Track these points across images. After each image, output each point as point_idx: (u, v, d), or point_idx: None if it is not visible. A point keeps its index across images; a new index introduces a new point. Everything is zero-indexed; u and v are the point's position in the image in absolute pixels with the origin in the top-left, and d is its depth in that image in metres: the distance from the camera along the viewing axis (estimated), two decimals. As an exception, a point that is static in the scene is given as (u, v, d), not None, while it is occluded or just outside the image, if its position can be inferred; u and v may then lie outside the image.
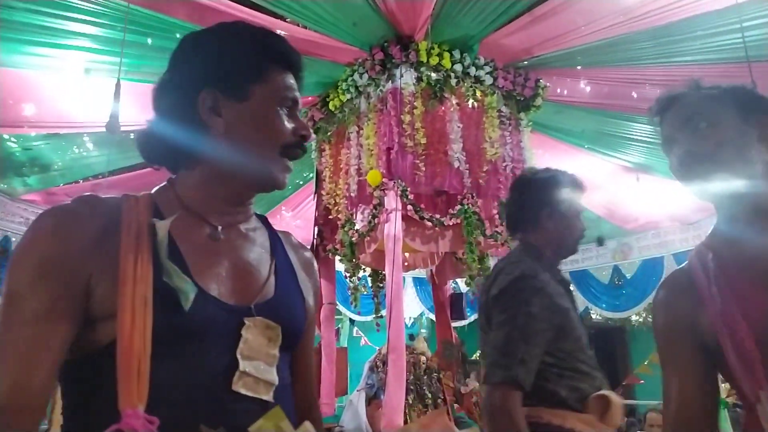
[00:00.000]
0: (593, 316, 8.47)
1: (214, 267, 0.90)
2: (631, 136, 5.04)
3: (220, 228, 0.94)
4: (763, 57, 3.44)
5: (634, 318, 9.48)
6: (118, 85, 2.82)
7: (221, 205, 0.96)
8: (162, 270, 0.81)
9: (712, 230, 1.13)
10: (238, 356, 0.84)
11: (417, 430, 0.72)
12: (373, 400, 4.37)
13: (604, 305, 7.38)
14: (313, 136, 5.07)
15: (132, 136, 4.77)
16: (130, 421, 0.71)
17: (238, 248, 0.95)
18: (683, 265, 1.13)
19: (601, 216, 6.46)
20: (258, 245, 0.99)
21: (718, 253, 1.06)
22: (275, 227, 1.08)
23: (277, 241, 1.03)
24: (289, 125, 0.96)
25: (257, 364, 0.85)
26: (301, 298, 0.99)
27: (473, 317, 7.59)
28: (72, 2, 3.31)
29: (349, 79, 4.41)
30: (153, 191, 0.96)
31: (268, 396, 0.86)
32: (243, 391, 0.83)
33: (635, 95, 4.43)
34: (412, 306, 7.74)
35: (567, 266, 7.44)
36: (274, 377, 0.88)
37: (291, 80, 0.98)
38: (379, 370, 4.48)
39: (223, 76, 0.93)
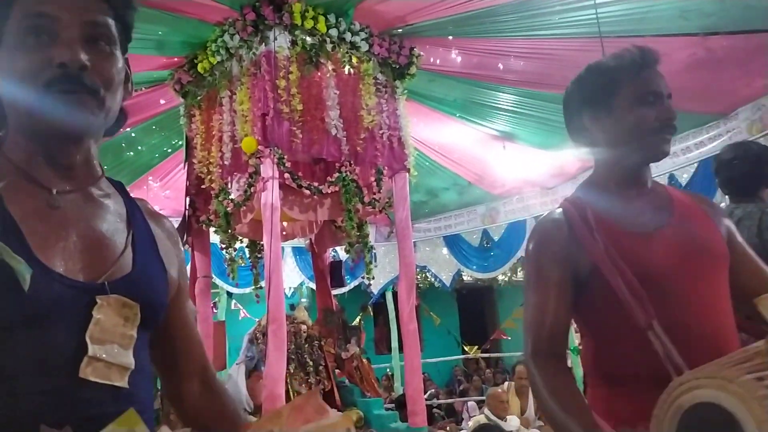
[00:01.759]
0: (464, 277, 8.96)
1: (58, 239, 0.78)
2: (499, 106, 5.31)
3: (55, 191, 0.81)
4: (614, 33, 3.75)
5: (501, 278, 10.20)
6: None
7: (45, 163, 0.82)
8: None
9: (585, 187, 1.33)
10: (87, 340, 0.74)
11: (288, 413, 0.68)
12: (253, 372, 4.31)
13: (474, 267, 7.82)
14: (180, 99, 4.77)
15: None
16: None
17: (87, 216, 0.83)
18: (553, 213, 1.29)
19: (471, 182, 6.79)
20: (112, 213, 0.87)
21: (594, 207, 1.24)
22: (138, 198, 0.97)
23: (134, 209, 0.92)
24: (40, 54, 0.78)
25: (110, 348, 0.77)
26: (162, 271, 0.90)
27: (353, 284, 7.71)
28: None
29: (219, 40, 4.17)
30: None
31: (122, 382, 0.78)
32: (93, 378, 0.74)
33: (501, 66, 4.65)
34: (291, 276, 7.68)
35: (441, 231, 7.78)
36: (129, 360, 0.79)
37: None
38: (259, 341, 4.42)
39: None
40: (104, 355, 0.76)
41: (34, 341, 0.72)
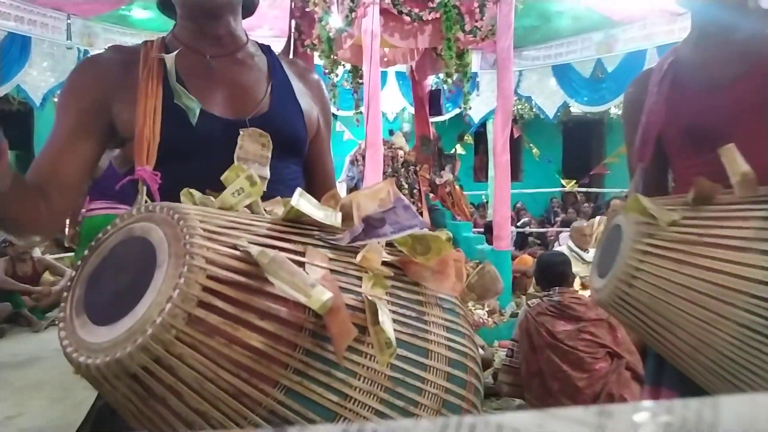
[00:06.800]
0: (572, 110, 8.62)
1: (212, 89, 1.05)
2: None
3: (209, 56, 1.08)
4: None
5: (613, 110, 9.67)
6: None
7: (200, 36, 1.08)
8: (172, 94, 0.99)
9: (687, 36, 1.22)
10: (235, 158, 0.98)
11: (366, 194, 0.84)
12: (353, 191, 4.70)
13: (585, 99, 7.48)
14: None
15: None
16: (141, 173, 0.96)
17: (234, 73, 1.09)
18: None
19: (589, 5, 6.22)
20: (255, 70, 1.11)
21: (680, 56, 1.18)
22: (290, 58, 1.20)
23: (276, 64, 1.14)
24: None
25: (252, 165, 0.98)
26: (297, 110, 1.11)
27: (453, 112, 7.73)
28: None
29: None
30: (165, 35, 1.11)
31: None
32: None
33: None
34: (394, 100, 7.78)
35: (551, 60, 7.38)
36: (264, 173, 1.00)
37: None
38: (359, 163, 4.75)
39: None
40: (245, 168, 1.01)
41: (194, 165, 0.99)
